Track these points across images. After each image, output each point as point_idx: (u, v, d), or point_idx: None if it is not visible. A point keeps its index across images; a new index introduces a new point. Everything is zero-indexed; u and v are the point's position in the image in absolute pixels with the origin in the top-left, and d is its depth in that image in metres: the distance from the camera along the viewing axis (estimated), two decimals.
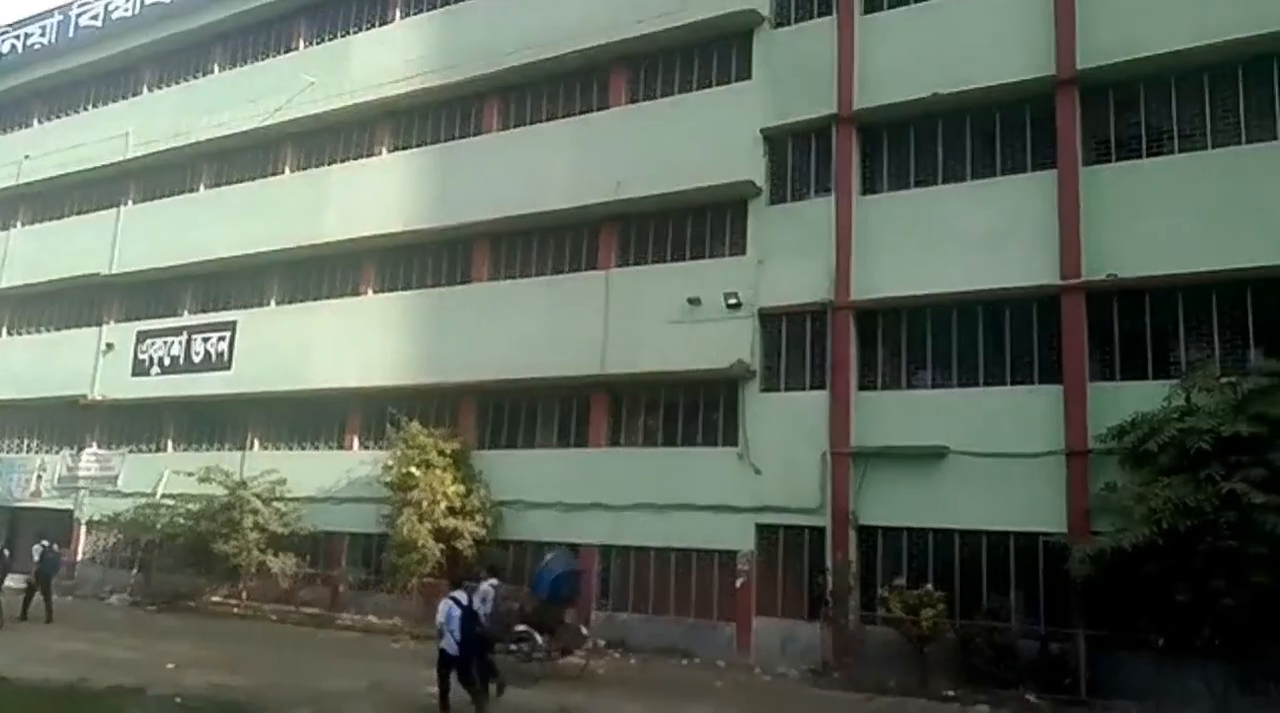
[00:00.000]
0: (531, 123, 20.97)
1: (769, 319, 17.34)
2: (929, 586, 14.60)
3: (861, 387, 16.46)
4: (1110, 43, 14.83)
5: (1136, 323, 14.56)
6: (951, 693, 13.70)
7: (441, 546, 18.46)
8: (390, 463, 19.58)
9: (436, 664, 11.53)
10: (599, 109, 20.03)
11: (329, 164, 23.86)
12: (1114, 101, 15.22)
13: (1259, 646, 12.13)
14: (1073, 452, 14.24)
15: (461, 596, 11.68)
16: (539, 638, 14.00)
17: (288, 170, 24.64)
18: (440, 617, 11.43)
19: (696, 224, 18.64)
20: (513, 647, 13.98)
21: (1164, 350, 14.36)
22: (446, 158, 21.74)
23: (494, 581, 13.94)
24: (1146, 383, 14.03)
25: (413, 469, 18.90)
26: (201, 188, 26.27)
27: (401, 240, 21.99)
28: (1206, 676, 12.36)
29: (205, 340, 24.42)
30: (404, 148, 22.78)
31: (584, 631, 15.03)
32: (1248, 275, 13.67)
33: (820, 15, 17.69)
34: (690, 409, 18.15)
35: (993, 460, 14.82)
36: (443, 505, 18.55)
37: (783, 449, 16.62)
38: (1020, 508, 14.56)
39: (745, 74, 18.37)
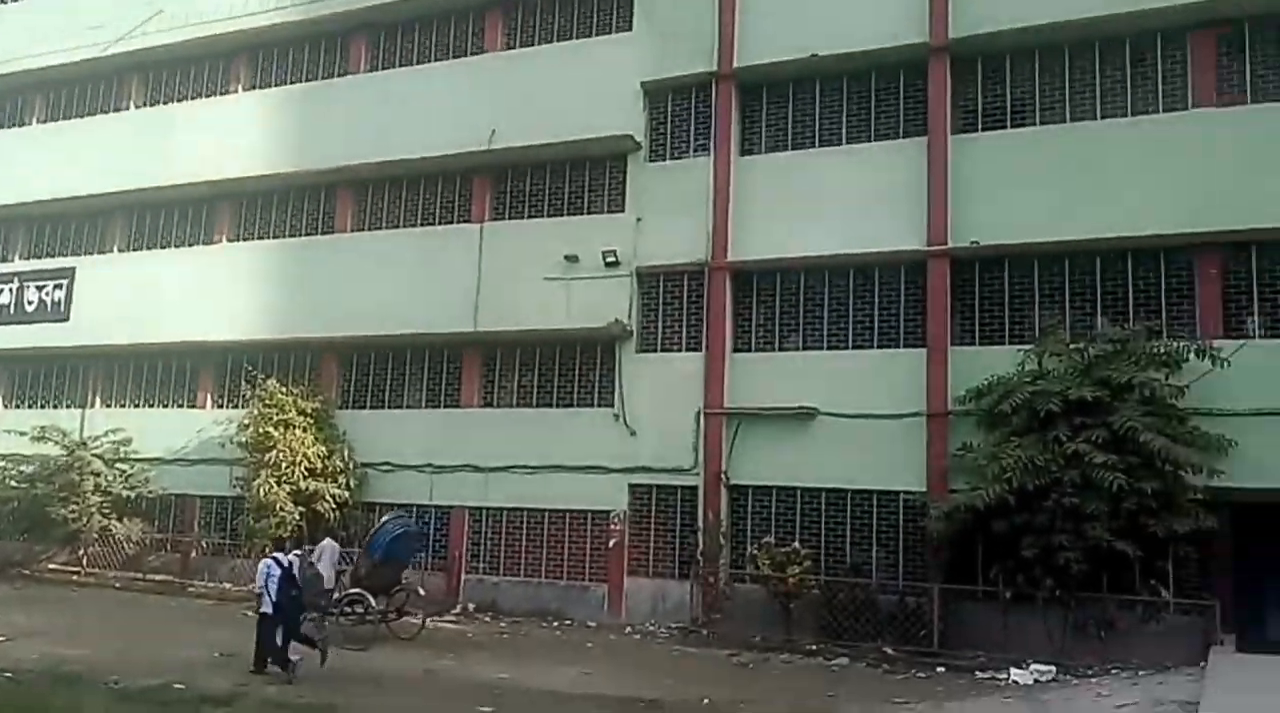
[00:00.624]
0: (402, 64, 20.00)
1: (647, 278, 17.21)
2: (796, 543, 14.96)
3: (736, 348, 16.58)
4: (980, 14, 15.14)
5: (996, 289, 15.12)
6: (814, 647, 14.13)
7: (301, 509, 17.72)
8: (246, 422, 18.61)
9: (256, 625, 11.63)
10: (474, 54, 19.26)
11: (179, 101, 22.21)
12: (982, 72, 15.60)
13: (1091, 594, 12.95)
14: (934, 413, 14.76)
15: (282, 557, 11.88)
16: (373, 601, 13.77)
17: (133, 105, 22.80)
18: (259, 579, 11.61)
19: (575, 178, 18.25)
20: (347, 610, 13.90)
21: (1020, 316, 14.97)
22: (310, 98, 20.52)
23: (327, 543, 14.50)
24: (1003, 347, 14.62)
25: (270, 429, 18.03)
26: (34, 122, 24.06)
27: (260, 186, 20.75)
28: (1047, 624, 13.11)
29: (40, 288, 22.52)
30: (263, 86, 21.39)
31: (421, 592, 14.84)
32: (1097, 246, 14.35)
33: None
34: (566, 369, 17.91)
35: (859, 421, 15.23)
36: (302, 467, 17.78)
37: (658, 410, 16.62)
38: (884, 467, 15.02)
39: (626, 24, 17.98)
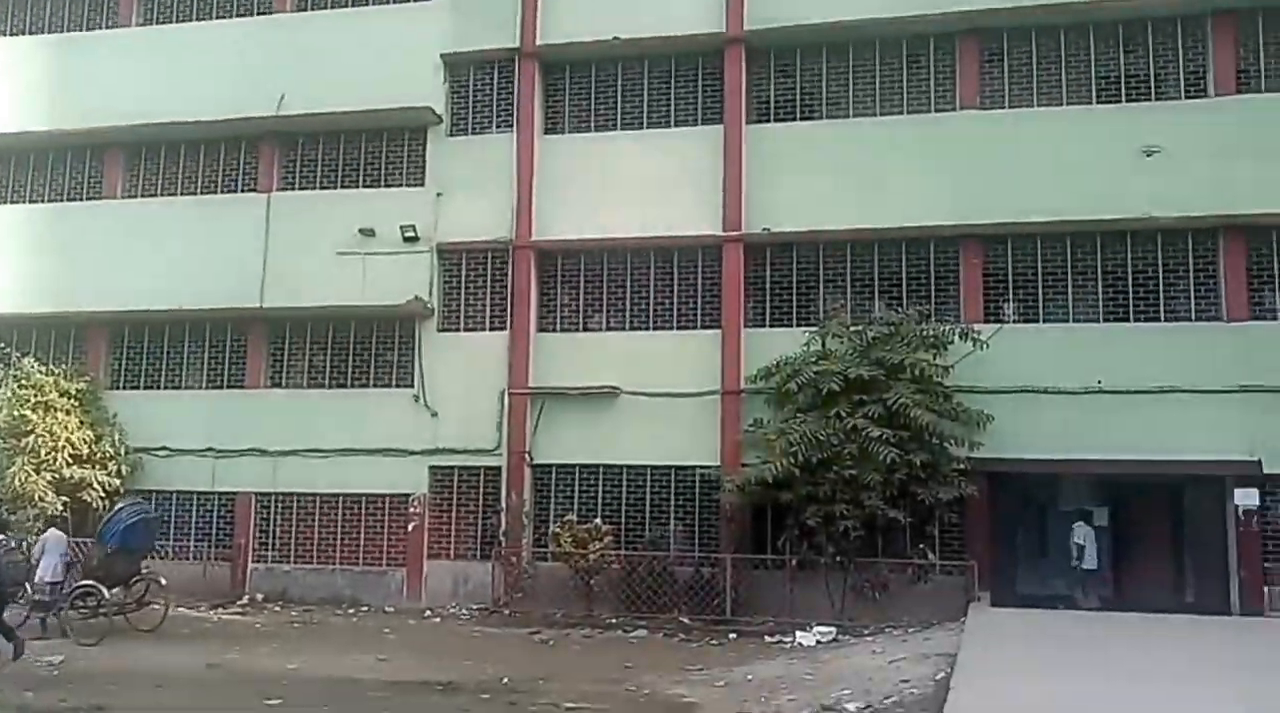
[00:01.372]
0: (180, 20, 18.49)
1: (448, 255, 16.86)
2: (598, 520, 15.19)
3: (540, 328, 16.56)
4: (772, 9, 15.72)
5: (786, 274, 15.87)
6: (614, 620, 14.44)
7: (65, 499, 16.21)
8: None
9: None
10: (261, 12, 18.08)
11: None
12: (775, 65, 16.25)
13: (867, 559, 13.95)
14: (728, 391, 15.35)
15: None
16: (107, 592, 12.95)
17: None
18: None
19: (371, 150, 17.55)
20: (78, 604, 13.07)
21: (807, 300, 15.79)
22: (69, 50, 18.57)
23: (50, 533, 13.68)
24: (792, 329, 15.36)
25: (27, 412, 16.34)
26: None
27: (14, 144, 18.63)
28: (829, 588, 14.01)
29: None
30: (14, 33, 19.21)
31: (163, 581, 13.94)
32: (876, 235, 15.34)
33: None
34: (362, 348, 17.28)
35: (660, 400, 15.62)
36: (66, 454, 16.25)
37: (460, 390, 16.37)
38: (682, 444, 15.50)
39: None
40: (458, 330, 16.81)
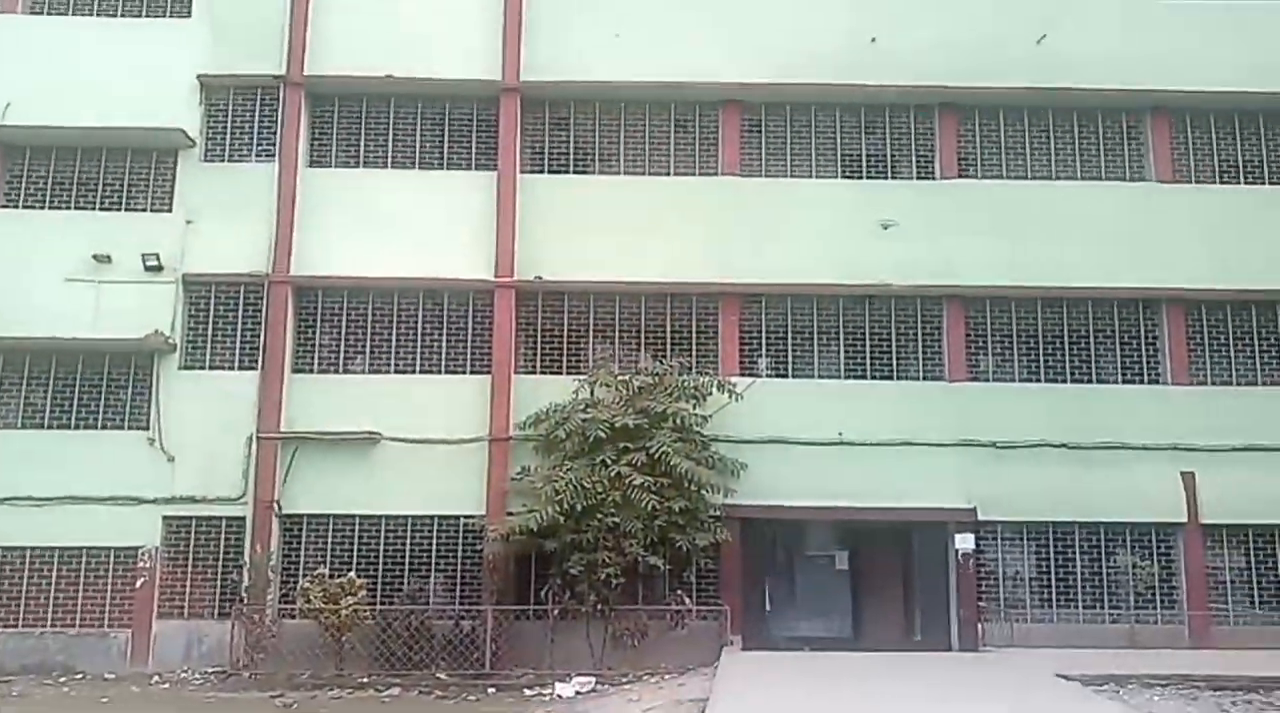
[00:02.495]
0: None
1: (196, 287, 15.69)
2: (352, 574, 14.43)
3: (297, 369, 15.70)
4: (548, 61, 16.00)
5: (557, 322, 16.01)
6: (366, 679, 13.71)
7: None
8: None
9: None
10: None
11: None
12: (550, 116, 16.52)
13: (627, 607, 14.12)
14: (496, 438, 15.18)
15: None
16: None
17: None
18: None
19: (112, 169, 16.08)
20: None
21: (578, 348, 15.98)
22: None
23: None
24: (561, 377, 15.48)
25: None
26: None
27: None
28: (589, 637, 14.03)
29: None
30: None
31: None
32: (642, 287, 15.82)
33: None
34: (90, 385, 15.62)
35: (423, 447, 15.19)
36: None
37: (203, 433, 15.15)
38: (446, 493, 15.12)
39: (185, 10, 16.33)
40: (203, 368, 15.61)
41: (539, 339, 15.97)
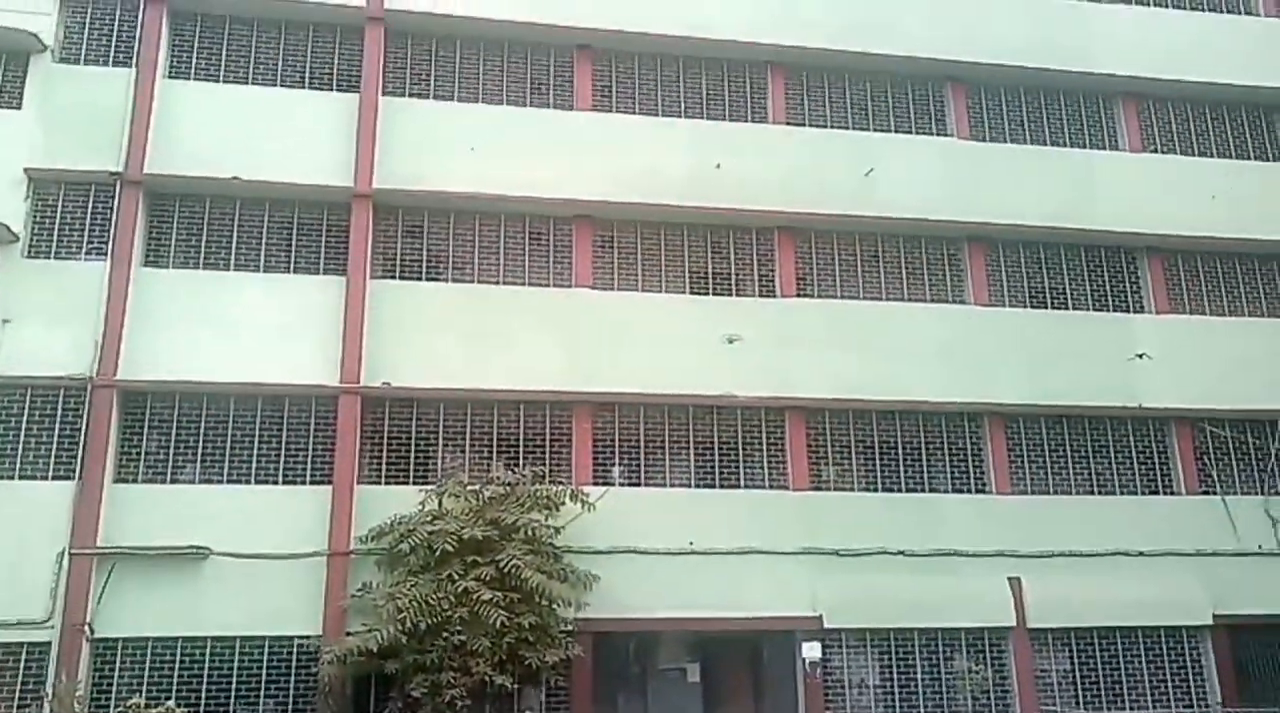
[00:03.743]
0: None
1: (8, 391, 14.56)
2: (171, 703, 13.22)
3: (119, 478, 14.64)
4: (402, 171, 16.08)
5: (405, 430, 15.66)
6: None
7: None
8: None
9: None
10: None
11: None
12: (403, 224, 16.52)
13: None
14: (335, 553, 14.48)
15: None
16: None
17: None
18: None
19: None
20: None
21: (426, 457, 15.62)
22: None
23: None
24: (409, 487, 15.02)
25: None
26: None
27: None
28: None
29: None
30: None
31: None
32: (495, 396, 15.74)
33: (118, 64, 15.99)
34: None
35: (256, 562, 14.32)
36: None
37: (4, 551, 13.81)
38: (279, 611, 14.22)
39: (16, 102, 15.64)
40: (11, 479, 14.35)
41: (385, 448, 15.54)
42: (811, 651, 15.20)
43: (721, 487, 16.15)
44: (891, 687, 15.58)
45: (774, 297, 17.13)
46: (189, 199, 15.93)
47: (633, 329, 16.24)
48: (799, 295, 17.16)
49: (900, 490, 16.57)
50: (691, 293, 17.03)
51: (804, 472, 16.28)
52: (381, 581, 14.09)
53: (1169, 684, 16.16)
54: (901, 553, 15.83)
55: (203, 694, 13.89)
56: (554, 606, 14.01)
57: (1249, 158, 19.29)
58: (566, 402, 15.99)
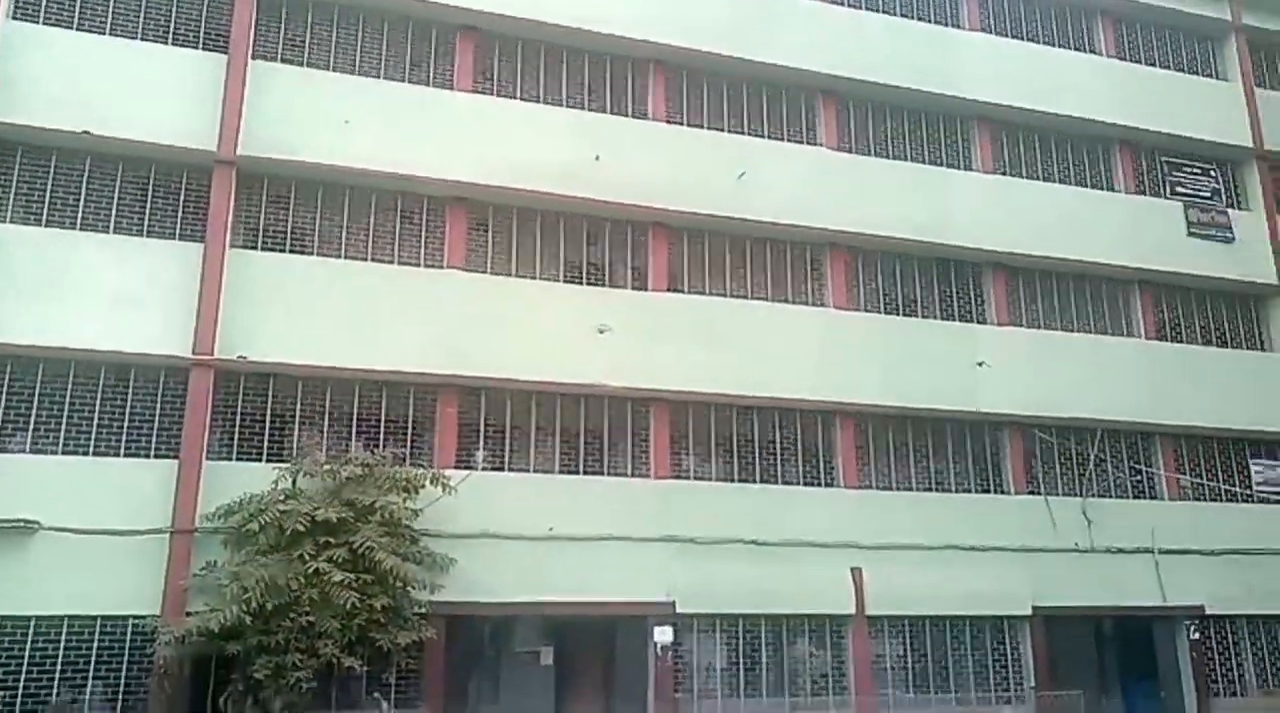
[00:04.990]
0: None
1: None
2: None
3: None
4: (269, 138, 15.52)
5: (260, 406, 15.16)
6: None
7: None
8: None
9: None
10: None
11: None
12: (268, 194, 15.96)
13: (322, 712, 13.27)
14: (179, 530, 13.91)
15: None
16: None
17: None
18: None
19: None
20: None
21: (281, 435, 15.18)
22: None
23: None
24: (262, 465, 14.55)
25: None
26: None
27: None
28: None
29: None
30: None
31: None
32: (358, 375, 15.43)
33: None
34: None
35: (91, 538, 13.58)
36: None
37: None
38: (114, 590, 13.52)
39: None
40: None
41: (238, 424, 15.01)
42: (663, 634, 15.59)
43: (585, 473, 16.35)
44: (737, 670, 16.15)
45: (645, 290, 17.43)
46: (33, 151, 14.93)
47: (503, 314, 16.21)
48: (670, 290, 17.52)
49: (755, 482, 17.17)
50: (565, 281, 17.15)
51: (665, 461, 16.67)
52: (228, 560, 13.61)
53: (990, 670, 17.38)
54: (754, 542, 16.41)
55: (22, 677, 13.10)
56: (408, 588, 13.88)
57: (1087, 186, 20.83)
58: (432, 384, 15.85)
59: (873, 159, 19.38)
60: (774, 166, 18.29)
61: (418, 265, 16.40)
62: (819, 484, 17.57)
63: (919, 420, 18.39)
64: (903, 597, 16.93)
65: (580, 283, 17.25)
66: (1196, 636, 18.34)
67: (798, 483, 17.46)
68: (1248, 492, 19.80)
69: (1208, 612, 18.46)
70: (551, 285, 16.94)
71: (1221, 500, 19.66)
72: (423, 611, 14.09)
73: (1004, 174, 20.27)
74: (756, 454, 17.40)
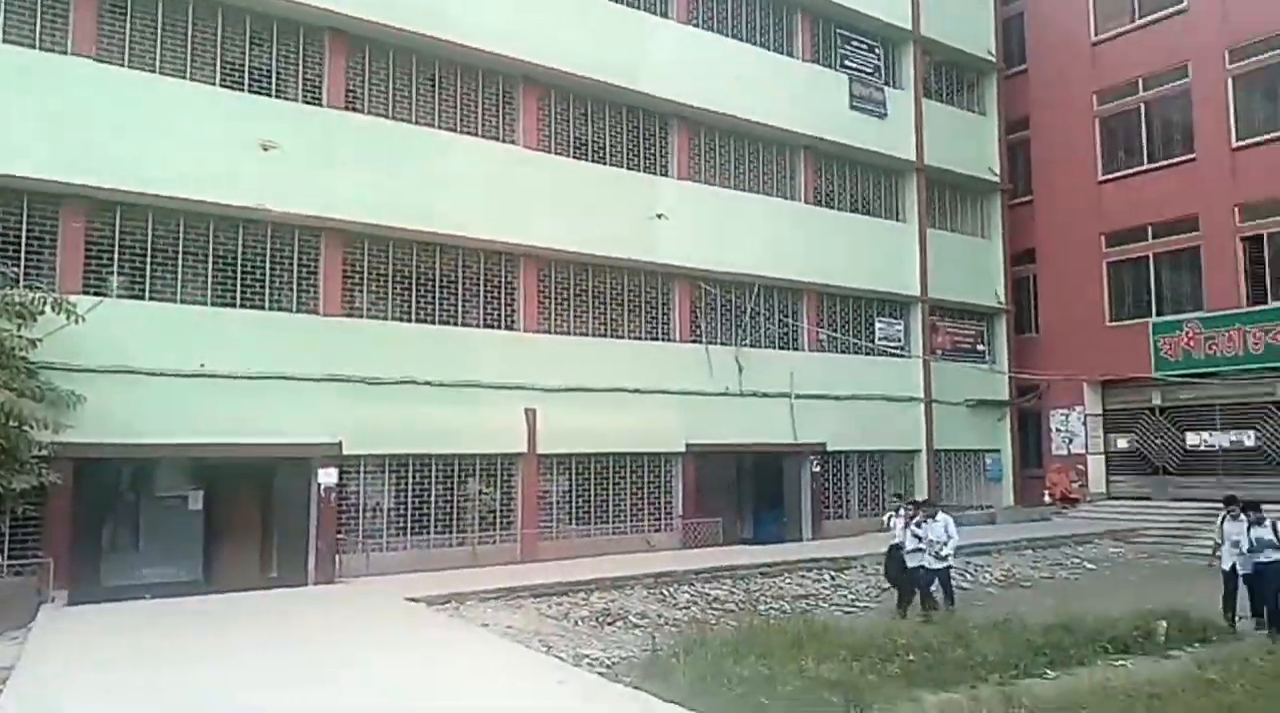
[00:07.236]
0: None
1: None
2: None
3: None
4: None
5: None
6: None
7: None
8: None
9: None
10: None
11: None
12: None
13: None
14: None
15: None
16: None
17: None
18: None
19: None
20: None
21: None
22: None
23: None
24: None
25: None
26: None
27: None
28: None
29: None
30: None
31: None
32: None
33: None
34: None
35: None
36: None
37: None
38: None
39: None
40: None
41: None
42: (327, 476, 15.08)
43: (243, 307, 14.95)
44: (405, 509, 16.11)
45: (320, 105, 15.78)
46: None
47: (145, 118, 13.99)
48: (348, 108, 16.02)
49: (434, 323, 16.71)
50: (223, 86, 15.02)
51: (336, 297, 15.68)
52: None
53: (645, 502, 18.84)
54: (428, 383, 16.12)
55: None
56: (24, 428, 12.16)
57: (770, 49, 21.59)
58: (51, 194, 13.48)
59: None
60: None
61: (33, 47, 13.54)
62: (499, 327, 17.47)
63: (598, 268, 18.72)
64: (572, 436, 17.63)
65: (242, 89, 15.21)
66: (818, 469, 21.06)
67: (478, 325, 17.24)
68: (870, 345, 22.62)
69: (829, 449, 21.18)
70: (206, 89, 14.76)
71: (850, 353, 22.29)
72: (44, 453, 12.45)
73: (696, 27, 20.40)
74: (436, 294, 16.86)
